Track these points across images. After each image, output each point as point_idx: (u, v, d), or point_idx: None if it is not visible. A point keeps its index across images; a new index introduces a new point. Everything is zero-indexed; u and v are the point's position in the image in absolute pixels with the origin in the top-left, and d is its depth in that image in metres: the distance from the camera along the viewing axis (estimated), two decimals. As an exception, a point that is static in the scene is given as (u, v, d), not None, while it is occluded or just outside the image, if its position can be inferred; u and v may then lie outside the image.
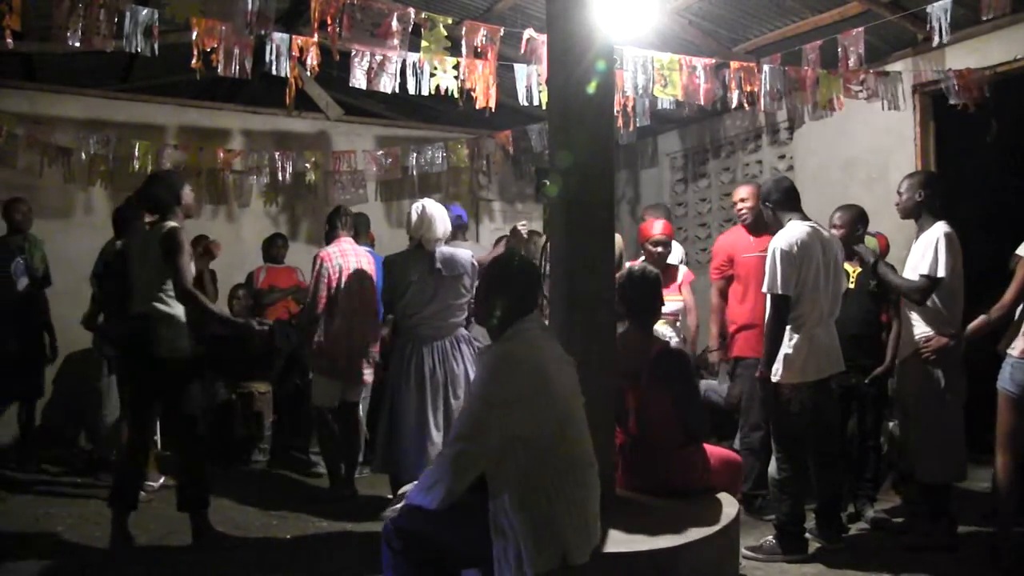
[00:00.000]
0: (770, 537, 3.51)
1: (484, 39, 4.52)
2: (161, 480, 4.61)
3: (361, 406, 4.83)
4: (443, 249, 4.01)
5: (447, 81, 4.56)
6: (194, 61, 4.07)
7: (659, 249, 4.48)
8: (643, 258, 4.51)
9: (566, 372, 2.40)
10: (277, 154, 6.50)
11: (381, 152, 6.81)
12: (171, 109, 6.61)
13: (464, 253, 4.05)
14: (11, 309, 4.90)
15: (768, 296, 3.49)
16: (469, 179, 7.15)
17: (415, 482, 2.51)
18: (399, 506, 2.43)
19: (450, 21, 4.49)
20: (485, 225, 7.71)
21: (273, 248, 6.06)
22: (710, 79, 4.93)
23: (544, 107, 4.45)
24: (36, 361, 5.07)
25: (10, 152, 5.69)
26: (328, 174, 6.73)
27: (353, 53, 4.45)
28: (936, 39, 4.31)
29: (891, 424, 4.32)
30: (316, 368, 4.56)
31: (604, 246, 2.91)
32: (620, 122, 5.40)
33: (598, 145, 2.88)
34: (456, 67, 4.56)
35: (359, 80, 4.50)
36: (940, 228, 3.55)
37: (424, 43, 4.43)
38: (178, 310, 3.60)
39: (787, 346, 3.44)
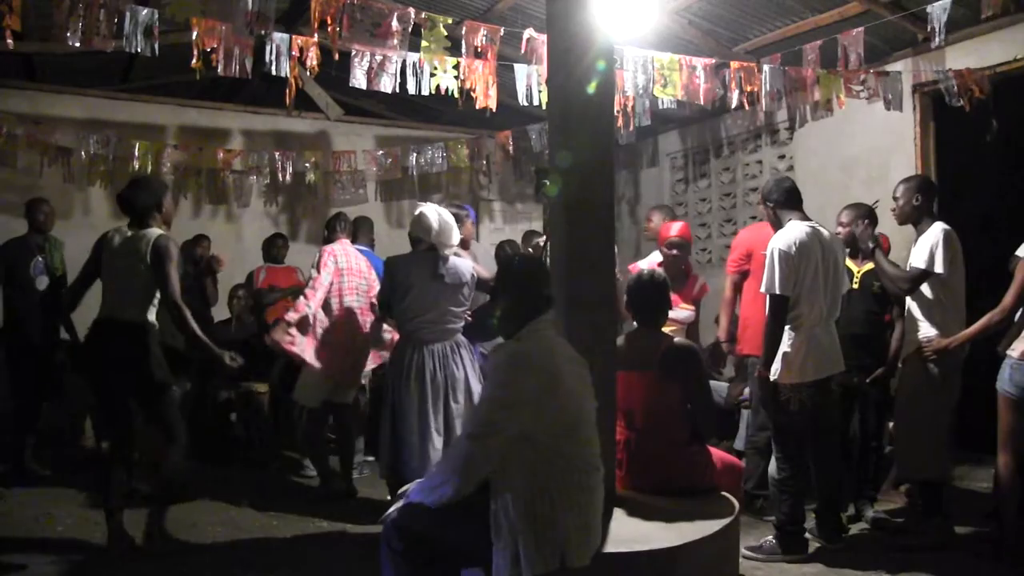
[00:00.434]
0: (770, 537, 3.51)
1: (484, 39, 4.52)
2: None
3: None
4: (451, 257, 4.04)
5: (447, 81, 4.56)
6: (194, 61, 4.06)
7: (673, 252, 4.43)
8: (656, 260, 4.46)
9: (579, 374, 2.38)
10: (277, 154, 6.51)
11: (381, 152, 6.81)
12: (171, 109, 6.61)
13: (466, 263, 4.06)
14: (32, 309, 4.88)
15: (767, 296, 3.49)
16: (469, 179, 7.17)
17: (415, 482, 2.51)
18: (400, 504, 2.43)
19: (450, 21, 4.49)
20: (485, 225, 7.70)
21: (273, 248, 6.06)
22: (710, 79, 4.93)
23: (544, 107, 4.45)
24: (53, 360, 5.05)
25: (10, 152, 5.70)
26: (328, 174, 6.73)
27: (353, 53, 4.45)
28: (936, 39, 4.31)
29: (891, 424, 4.32)
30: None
31: (604, 246, 2.91)
32: (620, 122, 5.40)
33: (598, 145, 2.88)
34: (456, 67, 4.56)
35: (359, 80, 4.50)
36: (939, 227, 3.56)
37: (424, 43, 4.43)
38: (153, 318, 3.57)
39: (786, 346, 3.44)
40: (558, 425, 2.26)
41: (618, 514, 2.69)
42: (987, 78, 4.69)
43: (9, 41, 3.67)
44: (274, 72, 4.34)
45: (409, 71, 4.52)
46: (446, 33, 4.47)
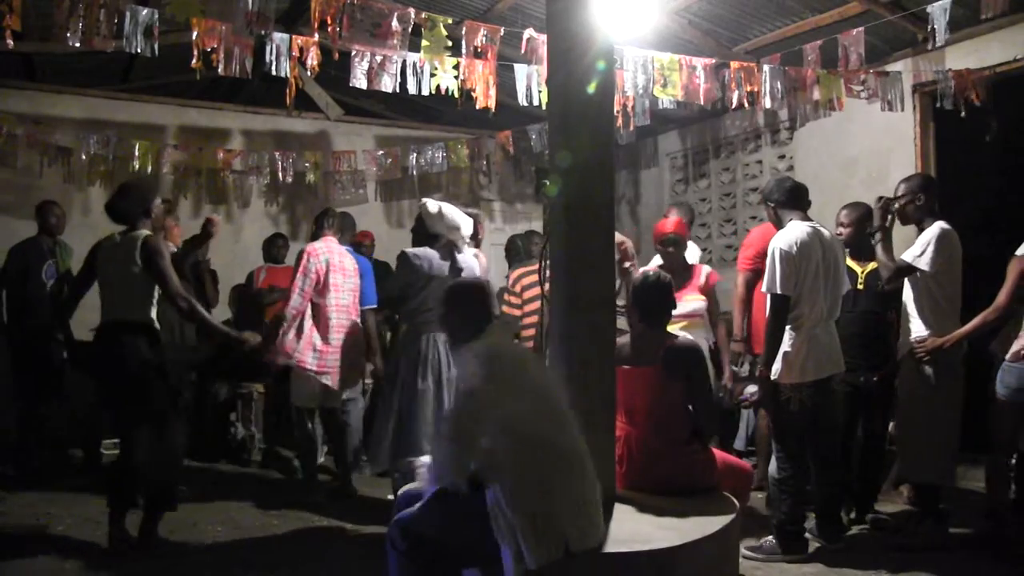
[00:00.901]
0: (770, 537, 3.51)
1: (484, 39, 4.52)
2: None
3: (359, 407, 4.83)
4: (464, 254, 4.06)
5: (447, 81, 4.56)
6: (194, 61, 4.07)
7: (670, 249, 4.32)
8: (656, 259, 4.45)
9: (540, 364, 2.60)
10: (277, 154, 6.51)
11: (381, 152, 6.81)
12: (171, 109, 6.62)
13: (471, 259, 4.08)
14: (43, 313, 4.87)
15: (768, 296, 3.49)
16: (469, 179, 7.17)
17: (415, 482, 2.53)
18: (415, 507, 2.43)
19: (450, 21, 4.49)
20: (485, 225, 7.69)
21: (273, 248, 6.06)
22: (710, 79, 4.93)
23: (544, 107, 4.45)
24: (58, 361, 5.05)
25: (10, 152, 5.70)
26: (328, 174, 6.74)
27: (353, 53, 4.45)
28: (936, 39, 4.32)
29: (892, 424, 4.32)
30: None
31: (604, 246, 2.91)
32: (620, 122, 5.40)
33: (598, 145, 2.88)
34: (456, 67, 4.57)
35: (359, 80, 4.50)
36: (939, 226, 3.54)
37: (424, 43, 4.43)
38: (154, 316, 3.57)
39: (787, 346, 3.44)
40: (536, 414, 2.30)
41: (618, 514, 2.69)
42: (987, 78, 4.69)
43: (9, 41, 3.67)
44: (274, 72, 4.35)
45: (409, 71, 4.53)
46: (446, 33, 4.47)
